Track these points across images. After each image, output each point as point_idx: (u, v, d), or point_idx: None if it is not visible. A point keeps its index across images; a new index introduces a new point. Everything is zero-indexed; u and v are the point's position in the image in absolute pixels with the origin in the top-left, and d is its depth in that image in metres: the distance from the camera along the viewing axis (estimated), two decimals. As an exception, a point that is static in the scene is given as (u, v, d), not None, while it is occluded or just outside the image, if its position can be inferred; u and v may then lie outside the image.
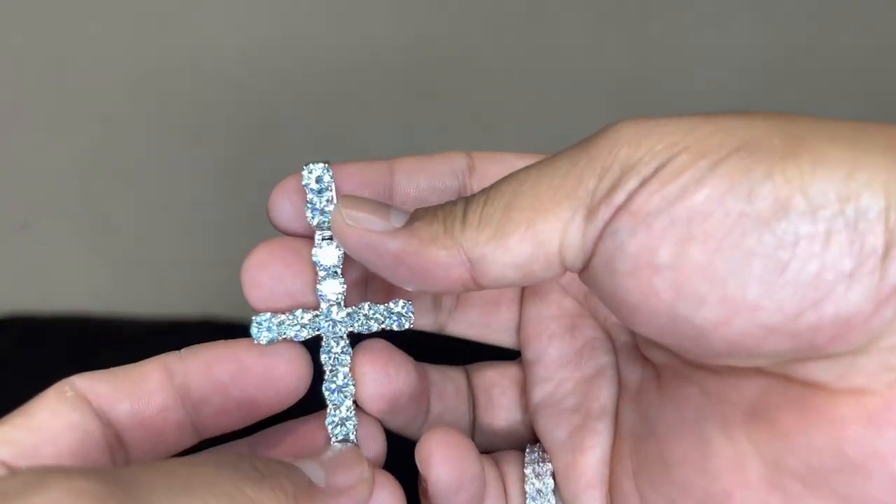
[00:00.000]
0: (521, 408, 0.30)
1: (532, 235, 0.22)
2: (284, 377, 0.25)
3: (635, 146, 0.21)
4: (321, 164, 0.25)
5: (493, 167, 0.27)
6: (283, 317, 0.25)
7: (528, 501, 0.27)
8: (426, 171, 0.27)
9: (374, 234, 0.23)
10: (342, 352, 0.26)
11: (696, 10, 0.62)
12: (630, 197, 0.21)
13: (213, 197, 0.64)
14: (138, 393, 0.25)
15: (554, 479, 0.27)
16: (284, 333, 0.25)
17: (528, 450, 0.28)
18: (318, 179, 0.25)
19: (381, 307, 0.26)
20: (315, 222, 0.25)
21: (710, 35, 0.63)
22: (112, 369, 0.25)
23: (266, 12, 0.61)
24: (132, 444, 0.25)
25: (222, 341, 0.26)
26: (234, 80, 0.60)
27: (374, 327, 0.26)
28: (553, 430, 0.28)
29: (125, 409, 0.24)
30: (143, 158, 0.62)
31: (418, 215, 0.24)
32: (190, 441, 0.26)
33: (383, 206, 0.24)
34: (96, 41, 0.60)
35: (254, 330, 0.25)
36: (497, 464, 0.28)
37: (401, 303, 0.26)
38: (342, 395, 0.26)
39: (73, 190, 0.63)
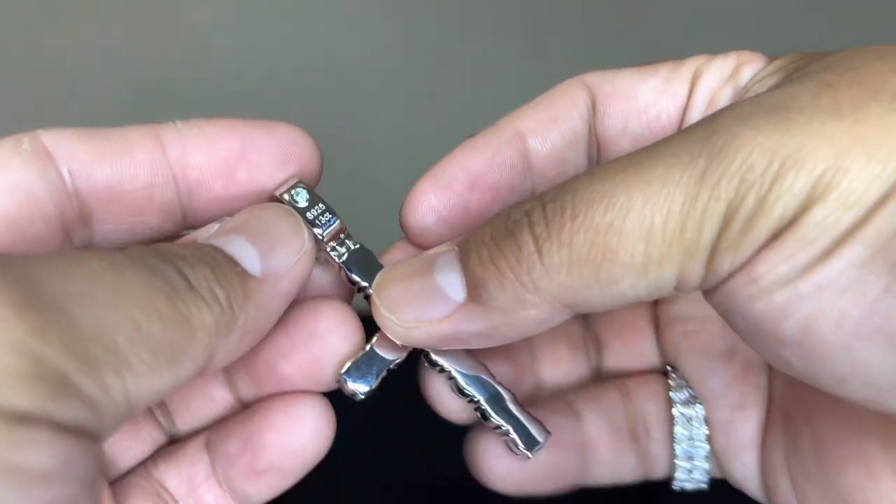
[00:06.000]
0: (655, 346, 0.26)
1: (645, 283, 0.18)
2: (300, 160, 0.22)
3: (774, 173, 0.16)
4: (301, 189, 0.22)
5: (616, 104, 0.23)
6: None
7: (676, 446, 0.24)
8: (556, 123, 0.23)
9: (444, 325, 0.20)
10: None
11: (695, 9, 0.62)
12: (756, 253, 0.17)
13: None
14: (123, 159, 0.20)
15: (707, 423, 0.24)
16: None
17: (672, 381, 0.25)
18: (306, 199, 0.22)
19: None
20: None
21: (708, 35, 0.63)
22: (86, 129, 0.20)
23: (265, 13, 0.61)
24: (102, 221, 0.20)
25: (224, 117, 0.21)
26: (235, 81, 0.60)
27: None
28: (705, 379, 0.24)
29: (103, 176, 0.20)
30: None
31: (481, 276, 0.19)
32: (173, 229, 0.22)
33: (424, 277, 0.20)
34: (95, 41, 0.61)
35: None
36: (628, 391, 0.25)
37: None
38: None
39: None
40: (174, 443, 0.23)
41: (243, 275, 0.19)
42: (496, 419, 0.23)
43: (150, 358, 0.16)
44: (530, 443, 0.23)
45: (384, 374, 0.22)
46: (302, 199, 0.22)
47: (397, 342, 0.22)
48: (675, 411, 0.25)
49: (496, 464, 0.23)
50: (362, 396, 0.22)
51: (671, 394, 0.25)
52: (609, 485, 0.25)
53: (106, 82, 0.61)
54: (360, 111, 0.63)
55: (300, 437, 0.21)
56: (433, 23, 0.62)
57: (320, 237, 0.22)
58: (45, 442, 0.14)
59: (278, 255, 0.20)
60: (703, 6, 0.62)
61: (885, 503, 0.20)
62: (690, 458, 0.25)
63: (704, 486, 0.25)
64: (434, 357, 0.23)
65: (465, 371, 0.23)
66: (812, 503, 0.22)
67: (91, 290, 0.16)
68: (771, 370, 0.25)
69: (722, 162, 0.17)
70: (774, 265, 0.16)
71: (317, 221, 0.22)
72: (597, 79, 0.24)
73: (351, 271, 0.23)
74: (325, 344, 0.22)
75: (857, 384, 0.17)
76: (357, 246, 0.23)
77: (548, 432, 0.23)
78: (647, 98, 0.23)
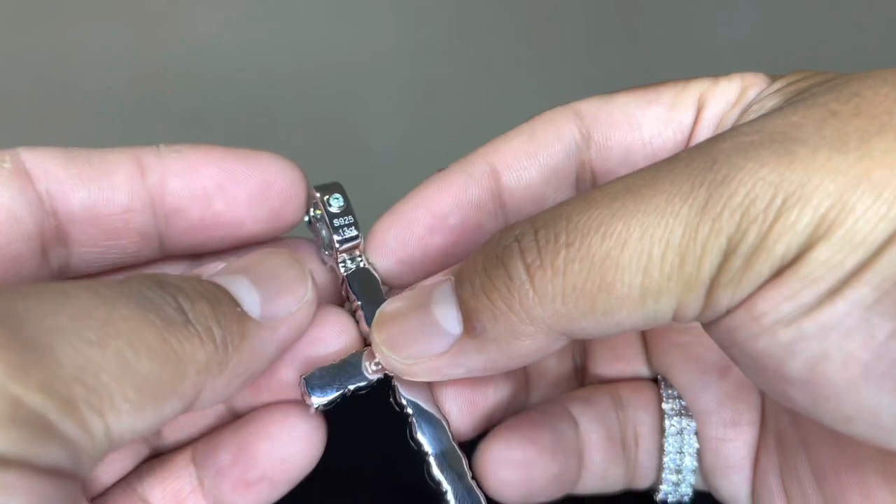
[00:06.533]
0: (643, 353, 0.26)
1: (642, 314, 0.17)
2: (281, 195, 0.21)
3: (777, 209, 0.16)
4: (337, 194, 0.22)
5: (616, 133, 0.22)
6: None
7: (666, 457, 0.24)
8: (534, 157, 0.22)
9: (443, 359, 0.20)
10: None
11: (696, 10, 0.62)
12: (757, 290, 0.16)
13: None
14: (100, 182, 0.20)
15: (697, 437, 0.24)
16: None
17: (663, 391, 0.24)
18: (340, 205, 0.22)
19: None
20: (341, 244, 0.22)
21: (711, 35, 0.63)
22: (70, 149, 0.20)
23: (265, 12, 0.60)
24: (78, 244, 0.20)
25: (208, 144, 0.21)
26: (234, 81, 0.60)
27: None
28: (698, 393, 0.24)
29: (80, 198, 0.20)
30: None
31: (474, 308, 0.19)
32: (150, 255, 0.21)
33: (422, 311, 0.20)
34: (94, 40, 0.60)
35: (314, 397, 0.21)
36: (619, 398, 0.25)
37: None
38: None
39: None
40: (157, 455, 0.23)
41: (242, 316, 0.19)
42: (439, 477, 0.22)
43: (136, 396, 0.16)
44: None
45: (344, 392, 0.22)
46: (336, 204, 0.22)
47: (377, 373, 0.21)
48: (666, 423, 0.24)
49: (505, 474, 0.23)
50: (315, 409, 0.21)
51: (663, 405, 0.25)
52: (593, 493, 0.25)
53: (106, 82, 0.61)
54: (361, 110, 0.62)
55: (293, 446, 0.21)
56: (433, 23, 0.62)
57: (336, 244, 0.22)
58: (21, 485, 0.14)
59: (280, 301, 0.20)
60: (702, 3, 0.62)
61: None
62: (678, 471, 0.24)
63: (688, 499, 0.25)
64: (401, 394, 0.22)
65: (424, 419, 0.22)
66: None
67: (78, 326, 0.16)
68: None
69: (724, 194, 0.16)
70: (776, 303, 0.16)
71: (340, 230, 0.22)
72: (591, 107, 0.22)
73: (351, 287, 0.23)
74: (328, 350, 0.21)
75: (863, 425, 0.16)
76: (365, 266, 0.23)
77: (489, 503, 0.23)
78: (652, 128, 0.22)
